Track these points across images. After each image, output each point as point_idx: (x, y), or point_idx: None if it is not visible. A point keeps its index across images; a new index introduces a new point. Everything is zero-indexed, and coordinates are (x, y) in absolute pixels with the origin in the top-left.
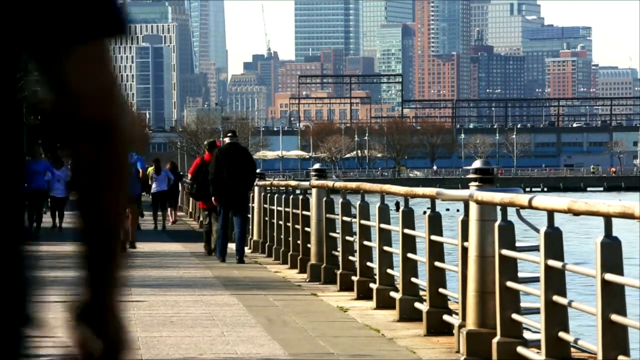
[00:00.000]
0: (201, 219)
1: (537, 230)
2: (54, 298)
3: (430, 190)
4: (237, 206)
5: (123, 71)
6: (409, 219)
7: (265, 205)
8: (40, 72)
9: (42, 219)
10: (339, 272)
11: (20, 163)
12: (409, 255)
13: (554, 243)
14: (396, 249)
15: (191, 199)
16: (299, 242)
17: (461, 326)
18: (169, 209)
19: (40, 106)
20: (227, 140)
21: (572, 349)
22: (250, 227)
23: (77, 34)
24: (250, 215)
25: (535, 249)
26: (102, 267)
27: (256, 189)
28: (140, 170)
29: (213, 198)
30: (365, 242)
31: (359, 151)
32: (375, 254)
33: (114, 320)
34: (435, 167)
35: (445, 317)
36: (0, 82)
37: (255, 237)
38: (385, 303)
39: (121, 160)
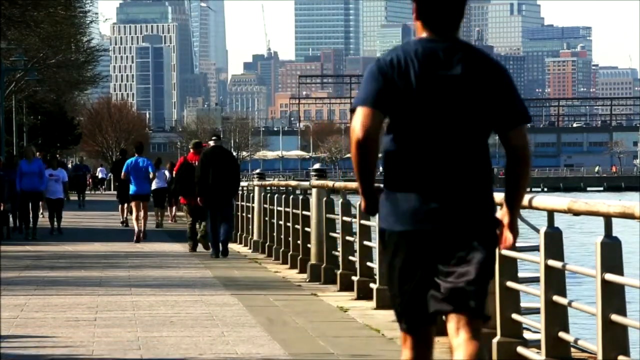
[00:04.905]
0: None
1: (537, 230)
2: (54, 298)
3: None
4: (221, 207)
5: (123, 71)
6: None
7: (265, 206)
8: (499, 135)
9: (37, 219)
10: (339, 272)
11: None
12: None
13: (554, 243)
14: None
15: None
16: (299, 242)
17: None
18: (167, 207)
19: None
20: (211, 143)
21: (572, 349)
22: (251, 227)
23: (516, 123)
24: (250, 216)
25: (535, 249)
26: (518, 204)
27: (256, 189)
28: (151, 173)
29: (198, 199)
30: (366, 242)
31: None
32: (375, 254)
33: (516, 222)
34: None
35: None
36: (479, 147)
37: (255, 237)
38: (385, 303)
39: (530, 165)
